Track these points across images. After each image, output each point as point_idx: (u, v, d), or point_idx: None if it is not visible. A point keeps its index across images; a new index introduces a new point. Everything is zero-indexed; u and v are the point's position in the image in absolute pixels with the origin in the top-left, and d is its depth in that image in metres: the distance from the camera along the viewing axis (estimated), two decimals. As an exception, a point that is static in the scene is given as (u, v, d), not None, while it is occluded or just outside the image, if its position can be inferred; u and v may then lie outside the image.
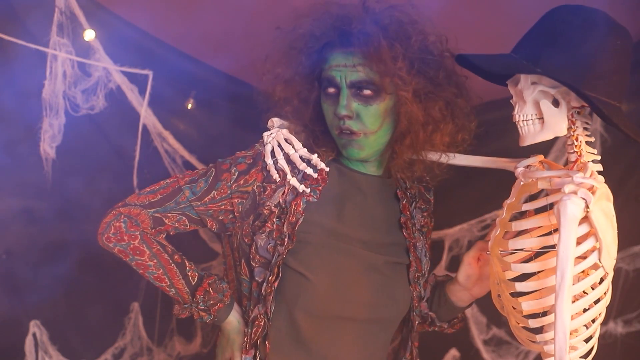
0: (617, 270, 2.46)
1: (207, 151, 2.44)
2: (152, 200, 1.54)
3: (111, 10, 2.23)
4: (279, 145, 1.56)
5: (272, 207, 1.51)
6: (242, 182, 1.54)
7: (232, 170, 1.54)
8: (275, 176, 1.52)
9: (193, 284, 1.55)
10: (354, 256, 1.54)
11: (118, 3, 2.21)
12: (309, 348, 1.52)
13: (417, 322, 1.66)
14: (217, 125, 2.49)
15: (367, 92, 1.49)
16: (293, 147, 1.56)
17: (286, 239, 1.49)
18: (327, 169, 1.55)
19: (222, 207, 1.55)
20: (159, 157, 2.44)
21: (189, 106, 2.46)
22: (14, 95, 2.10)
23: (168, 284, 1.54)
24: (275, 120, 1.62)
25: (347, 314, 1.53)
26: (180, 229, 1.58)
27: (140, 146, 2.38)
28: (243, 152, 1.58)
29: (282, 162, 1.54)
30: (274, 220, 1.51)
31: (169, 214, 1.54)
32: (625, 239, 2.63)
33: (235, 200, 1.53)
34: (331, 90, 1.52)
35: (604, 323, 2.64)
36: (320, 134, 1.59)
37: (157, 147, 2.42)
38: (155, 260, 1.53)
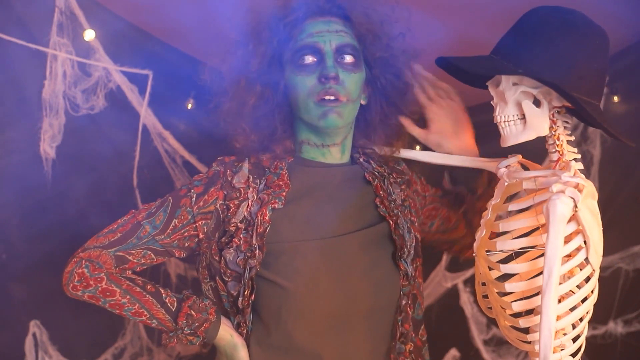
0: (617, 270, 2.45)
1: (207, 151, 2.44)
2: (112, 239, 1.50)
3: (111, 10, 2.23)
4: None
5: (238, 224, 1.50)
6: (202, 203, 1.52)
7: (190, 194, 1.53)
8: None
9: (173, 310, 1.49)
10: (331, 254, 1.51)
11: (118, 3, 2.21)
12: (312, 353, 1.49)
13: (404, 302, 1.59)
14: (217, 125, 2.49)
15: (349, 58, 1.51)
16: None
17: (256, 251, 1.47)
18: (274, 209, 1.52)
19: (186, 233, 1.52)
20: (159, 157, 2.44)
21: (189, 106, 2.46)
22: (14, 95, 2.11)
23: (148, 316, 1.49)
24: None
25: (337, 312, 1.50)
26: (147, 263, 1.53)
27: (140, 146, 2.38)
28: (200, 174, 1.58)
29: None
30: (241, 235, 1.49)
31: (133, 251, 1.51)
32: (625, 239, 2.63)
33: (199, 223, 1.51)
34: (309, 59, 1.51)
35: (604, 323, 2.65)
36: (280, 125, 1.58)
37: (157, 147, 2.42)
38: (128, 297, 1.47)
